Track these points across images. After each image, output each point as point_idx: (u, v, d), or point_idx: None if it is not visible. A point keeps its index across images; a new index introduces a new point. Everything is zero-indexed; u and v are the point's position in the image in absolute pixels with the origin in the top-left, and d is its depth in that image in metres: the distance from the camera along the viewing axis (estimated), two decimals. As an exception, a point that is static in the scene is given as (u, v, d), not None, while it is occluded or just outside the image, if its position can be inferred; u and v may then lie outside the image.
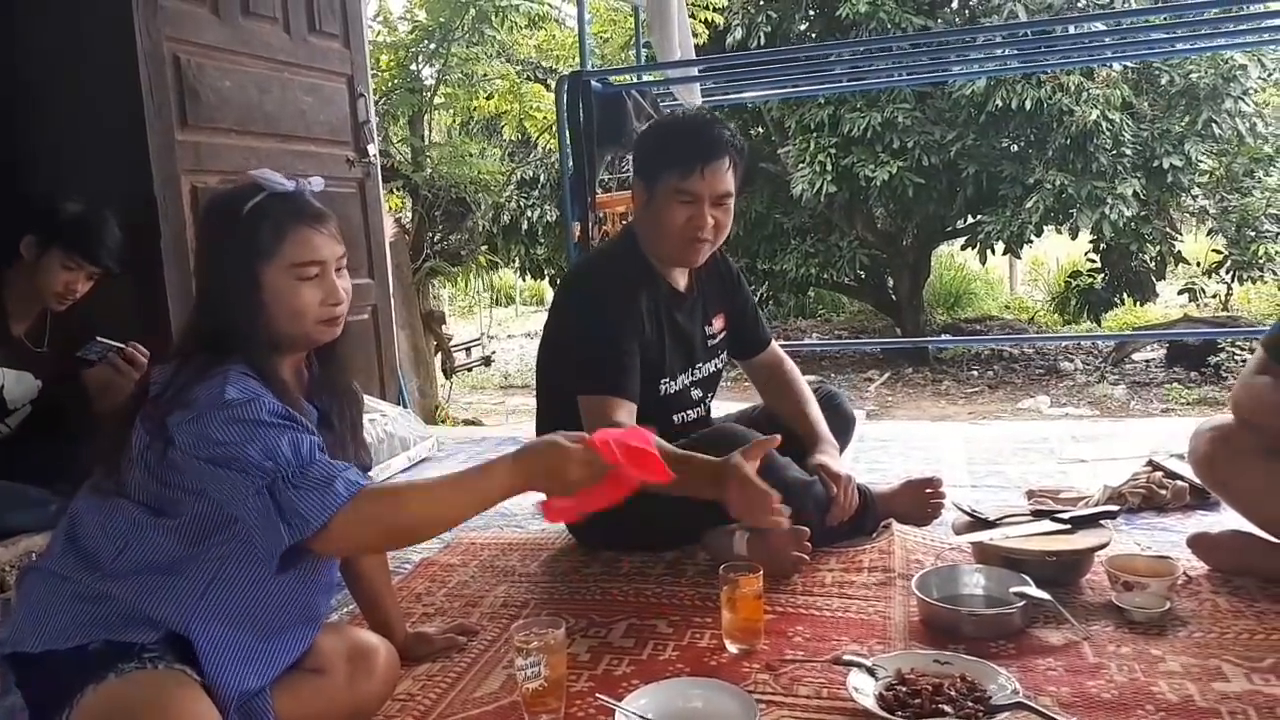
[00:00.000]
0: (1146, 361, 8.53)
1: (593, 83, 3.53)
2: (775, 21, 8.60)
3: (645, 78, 4.01)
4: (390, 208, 6.99)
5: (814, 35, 8.79)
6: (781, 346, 2.51)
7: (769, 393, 2.42)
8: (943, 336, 9.84)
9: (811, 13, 8.85)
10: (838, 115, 8.11)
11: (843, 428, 2.42)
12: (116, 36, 2.78)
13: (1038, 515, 2.07)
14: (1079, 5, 7.52)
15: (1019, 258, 10.71)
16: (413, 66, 7.57)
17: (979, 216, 8.47)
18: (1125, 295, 8.92)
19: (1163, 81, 7.69)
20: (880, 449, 3.28)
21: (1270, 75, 7.85)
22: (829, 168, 8.12)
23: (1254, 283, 8.56)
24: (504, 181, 8.34)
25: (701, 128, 2.10)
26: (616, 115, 3.49)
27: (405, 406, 3.92)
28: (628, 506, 2.06)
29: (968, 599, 1.83)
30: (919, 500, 2.29)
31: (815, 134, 8.26)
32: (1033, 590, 1.74)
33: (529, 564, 2.21)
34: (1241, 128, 7.59)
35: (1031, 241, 8.42)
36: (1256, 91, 7.75)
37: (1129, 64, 7.28)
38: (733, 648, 1.68)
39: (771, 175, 9.36)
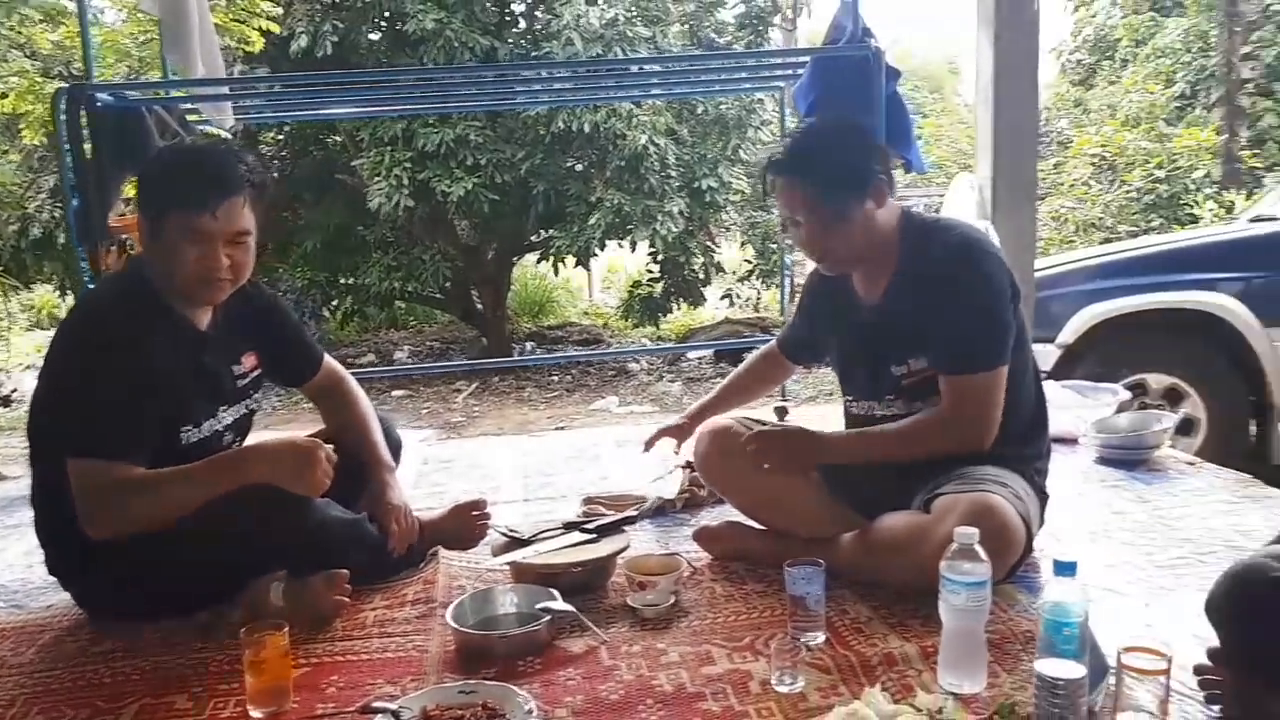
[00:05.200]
0: (699, 359, 9.55)
1: (102, 96, 3.14)
2: (343, 31, 8.36)
3: (173, 94, 3.64)
4: None
5: (384, 47, 8.69)
6: (358, 374, 2.47)
7: (330, 416, 2.38)
8: (528, 348, 10.23)
9: (382, 24, 8.74)
10: (411, 130, 8.10)
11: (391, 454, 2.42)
12: None
13: (568, 528, 2.22)
14: (627, 36, 8.17)
15: (589, 269, 11.46)
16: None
17: (550, 232, 8.93)
18: (680, 300, 9.95)
19: (699, 111, 8.66)
20: (443, 471, 3.32)
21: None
22: (405, 182, 8.08)
23: (776, 287, 9.96)
24: (20, 192, 7.22)
25: (214, 161, 1.98)
26: (135, 133, 3.14)
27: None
28: (147, 566, 1.90)
29: (502, 620, 1.91)
30: (465, 523, 2.35)
31: (390, 148, 8.17)
32: (556, 604, 1.86)
33: (23, 651, 1.93)
34: (763, 154, 8.80)
35: (596, 254, 9.07)
36: (774, 122, 9.01)
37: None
38: (258, 714, 1.60)
39: (349, 187, 9.11)
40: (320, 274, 9.23)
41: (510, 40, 8.71)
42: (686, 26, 8.70)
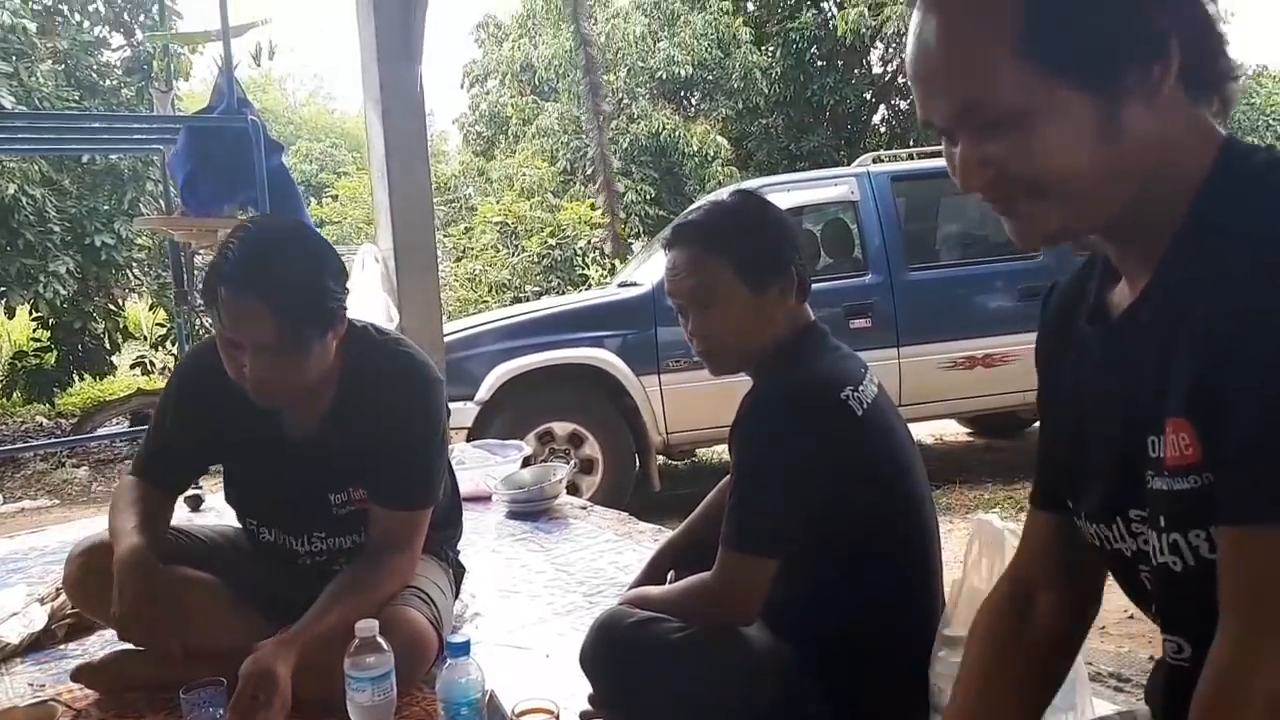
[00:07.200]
0: (112, 438, 8.38)
1: None
2: None
3: None
4: None
5: None
6: None
7: None
8: None
9: None
10: None
11: None
12: None
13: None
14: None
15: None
16: None
17: None
18: (82, 372, 8.68)
19: (85, 160, 7.69)
20: None
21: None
22: None
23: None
24: None
25: None
26: None
27: None
28: None
29: None
30: None
31: None
32: None
33: None
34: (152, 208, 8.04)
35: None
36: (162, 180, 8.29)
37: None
38: None
39: None
40: None
41: None
42: (61, 65, 7.65)
